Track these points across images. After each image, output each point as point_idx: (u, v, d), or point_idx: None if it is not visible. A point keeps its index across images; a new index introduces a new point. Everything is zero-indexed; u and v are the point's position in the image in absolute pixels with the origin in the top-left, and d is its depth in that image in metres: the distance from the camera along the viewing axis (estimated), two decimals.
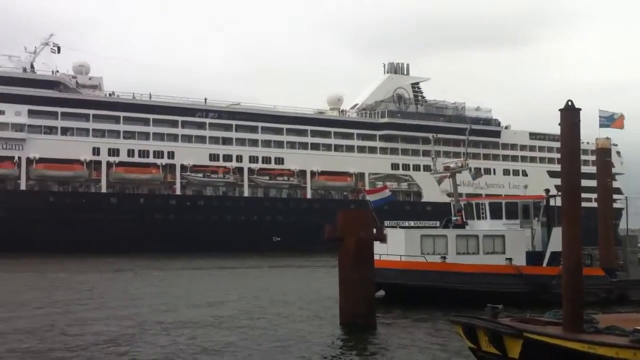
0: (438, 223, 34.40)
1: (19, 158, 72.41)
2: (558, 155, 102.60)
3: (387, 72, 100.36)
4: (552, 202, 30.18)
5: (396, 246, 27.42)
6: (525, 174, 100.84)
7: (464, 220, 31.17)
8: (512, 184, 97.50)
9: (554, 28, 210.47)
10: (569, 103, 14.09)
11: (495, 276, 27.00)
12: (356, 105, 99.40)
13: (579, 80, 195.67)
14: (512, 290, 26.17)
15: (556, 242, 23.46)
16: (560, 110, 14.16)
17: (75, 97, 76.94)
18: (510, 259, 27.78)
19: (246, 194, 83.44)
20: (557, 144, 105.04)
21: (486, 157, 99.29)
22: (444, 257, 27.55)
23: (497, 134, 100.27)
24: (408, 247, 27.72)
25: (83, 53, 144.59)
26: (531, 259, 28.84)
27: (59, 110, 74.99)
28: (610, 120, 35.66)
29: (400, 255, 27.35)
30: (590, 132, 33.58)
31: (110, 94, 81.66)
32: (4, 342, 18.60)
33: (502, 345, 12.71)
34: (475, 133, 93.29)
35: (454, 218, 31.53)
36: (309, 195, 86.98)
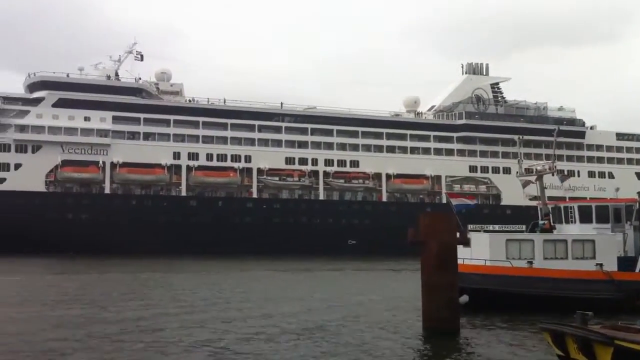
0: (524, 227, 33.21)
1: (104, 162, 75.50)
2: None
3: (466, 73, 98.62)
4: None
5: (480, 250, 27.07)
6: (611, 176, 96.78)
7: (552, 224, 30.24)
8: (597, 186, 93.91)
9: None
10: None
11: (585, 282, 26.06)
12: (433, 107, 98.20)
13: None
14: (602, 296, 25.30)
15: None
16: None
17: (156, 103, 79.71)
18: (600, 265, 26.88)
19: (321, 197, 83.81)
20: None
21: (570, 158, 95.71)
22: (531, 262, 26.81)
23: (581, 134, 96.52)
24: (493, 251, 27.10)
25: (165, 60, 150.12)
26: (623, 264, 27.82)
27: (142, 116, 77.79)
28: None
29: (485, 260, 26.83)
30: None
31: (190, 100, 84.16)
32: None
33: (592, 353, 12.35)
34: (558, 134, 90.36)
35: (541, 222, 30.57)
36: (384, 199, 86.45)
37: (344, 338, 19.86)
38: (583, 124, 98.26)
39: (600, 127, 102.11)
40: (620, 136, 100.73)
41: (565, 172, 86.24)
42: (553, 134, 43.24)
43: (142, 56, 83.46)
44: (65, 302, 27.82)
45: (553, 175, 34.39)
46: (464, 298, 24.61)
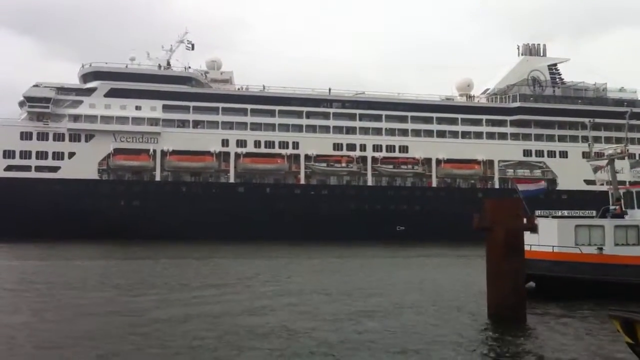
0: (594, 212, 32.61)
1: (154, 150, 77.14)
2: None
3: (522, 54, 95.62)
4: None
5: (548, 236, 26.65)
6: None
7: (623, 209, 29.46)
8: (630, 169, 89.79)
9: None
10: None
11: None
12: (487, 90, 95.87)
13: None
14: None
15: None
16: None
17: (205, 91, 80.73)
18: None
19: (370, 182, 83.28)
20: None
21: (631, 141, 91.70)
22: (601, 249, 26.36)
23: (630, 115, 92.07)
24: (561, 237, 26.67)
25: (217, 49, 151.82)
26: None
27: (191, 104, 78.98)
28: None
29: (553, 246, 26.40)
30: None
31: (240, 88, 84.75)
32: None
33: None
34: (616, 115, 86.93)
35: (612, 207, 29.93)
36: (434, 184, 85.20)
37: (408, 325, 19.90)
38: None
39: None
40: None
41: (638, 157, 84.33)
42: (625, 116, 41.93)
43: (193, 45, 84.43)
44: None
45: (625, 159, 33.55)
46: (531, 285, 24.35)
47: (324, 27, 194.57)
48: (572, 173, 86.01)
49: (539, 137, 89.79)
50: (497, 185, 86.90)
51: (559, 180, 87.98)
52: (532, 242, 25.12)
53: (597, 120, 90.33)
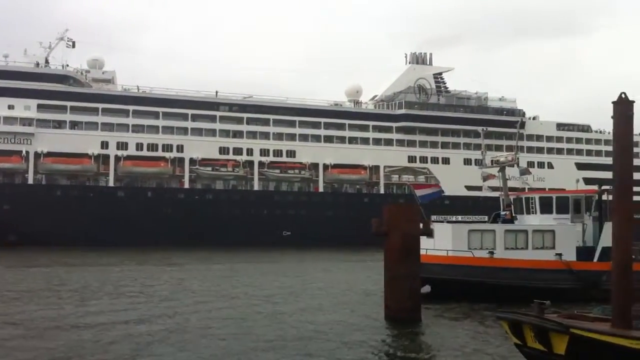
0: (486, 218, 34.04)
1: (27, 152, 73.43)
2: (587, 147, 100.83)
3: (409, 63, 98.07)
4: (604, 197, 29.56)
5: (443, 241, 27.36)
6: (551, 166, 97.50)
7: (513, 215, 30.70)
8: (537, 176, 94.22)
9: (601, 17, 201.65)
10: (623, 96, 13.34)
11: (545, 272, 26.62)
12: (375, 96, 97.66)
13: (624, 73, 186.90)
14: (561, 286, 25.79)
15: (607, 237, 23.16)
16: (613, 102, 13.44)
17: (83, 91, 77.57)
18: (560, 254, 27.44)
19: (256, 187, 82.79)
20: (586, 135, 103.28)
21: (509, 148, 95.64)
22: (492, 252, 27.24)
23: (520, 124, 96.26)
24: (455, 242, 27.45)
25: (101, 47, 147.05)
26: (582, 254, 28.39)
27: (68, 104, 75.66)
28: None
29: (447, 250, 27.17)
30: None
31: (123, 89, 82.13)
32: None
33: (548, 341, 12.59)
34: (496, 124, 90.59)
35: (502, 213, 31.03)
36: (321, 189, 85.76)
37: (305, 327, 20.02)
38: (523, 114, 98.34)
39: (543, 118, 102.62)
40: (560, 126, 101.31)
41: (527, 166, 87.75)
42: (516, 125, 43.96)
43: (74, 43, 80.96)
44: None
45: (514, 167, 35.11)
46: (426, 288, 24.99)
47: (244, 31, 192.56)
48: (454, 179, 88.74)
49: (423, 144, 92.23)
50: (382, 191, 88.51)
51: (442, 185, 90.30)
52: (428, 247, 26.08)
53: (479, 128, 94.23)
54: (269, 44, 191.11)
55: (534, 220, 29.93)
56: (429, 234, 23.89)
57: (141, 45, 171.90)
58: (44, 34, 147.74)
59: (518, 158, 33.32)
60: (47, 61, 79.07)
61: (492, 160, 34.45)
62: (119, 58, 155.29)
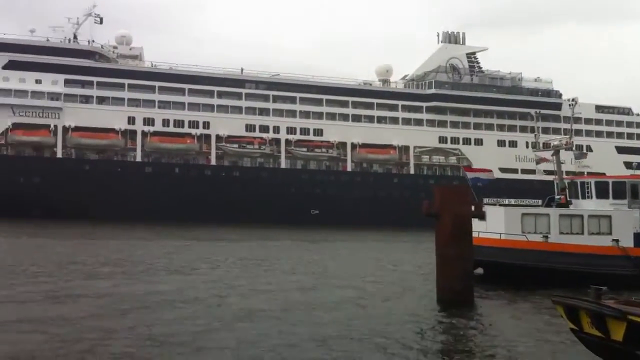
0: (540, 201, 33.53)
1: (55, 126, 74.03)
2: (628, 130, 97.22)
3: (442, 42, 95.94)
4: None
5: (496, 224, 26.99)
6: (590, 149, 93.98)
7: (568, 199, 30.30)
8: (574, 160, 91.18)
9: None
10: None
11: (600, 257, 26.11)
12: (406, 76, 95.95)
13: None
14: (617, 272, 25.15)
15: None
16: None
17: (109, 66, 77.88)
18: (617, 240, 26.92)
19: (283, 165, 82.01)
20: (627, 118, 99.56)
21: (545, 130, 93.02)
22: (546, 237, 26.85)
23: (557, 106, 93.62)
24: (508, 225, 27.06)
25: (127, 24, 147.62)
26: (639, 240, 27.76)
27: (95, 79, 76.10)
28: None
29: (500, 234, 26.75)
30: None
31: (150, 65, 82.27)
32: None
33: (605, 327, 12.35)
34: (531, 105, 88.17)
35: (557, 197, 30.64)
36: (349, 168, 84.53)
37: (357, 310, 19.71)
38: (560, 96, 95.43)
39: (582, 101, 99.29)
40: (599, 109, 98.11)
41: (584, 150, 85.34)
42: (571, 108, 42.96)
43: (101, 19, 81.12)
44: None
45: (568, 150, 34.08)
46: (478, 271, 24.75)
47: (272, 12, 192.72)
48: (487, 161, 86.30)
49: (454, 124, 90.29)
50: (412, 171, 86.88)
51: (474, 167, 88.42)
52: (480, 229, 25.40)
53: (513, 109, 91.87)
54: (299, 22, 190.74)
55: (589, 205, 29.51)
56: (482, 216, 23.54)
57: (175, 25, 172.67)
58: (72, 9, 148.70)
59: (573, 141, 32.35)
60: (75, 37, 79.55)
61: (544, 143, 34.14)
62: (149, 37, 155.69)
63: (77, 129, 74.47)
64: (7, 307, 18.28)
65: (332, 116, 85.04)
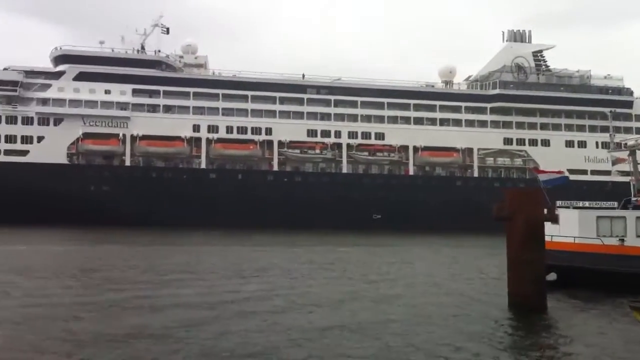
0: (616, 204, 32.71)
1: (124, 135, 76.35)
2: None
3: (506, 41, 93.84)
4: None
5: (569, 227, 26.42)
6: None
7: None
8: None
9: None
10: None
11: None
12: (470, 77, 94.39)
13: None
14: None
15: None
16: None
17: (175, 75, 79.71)
18: None
19: (345, 170, 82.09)
20: None
21: (617, 130, 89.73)
22: (622, 240, 26.05)
23: (628, 104, 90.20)
24: (582, 228, 26.50)
25: (192, 33, 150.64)
26: None
27: (161, 88, 78.07)
28: None
29: (574, 237, 26.19)
30: None
31: (214, 73, 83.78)
32: None
33: None
34: (601, 104, 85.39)
35: (633, 199, 29.62)
36: (411, 172, 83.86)
37: (426, 311, 19.95)
38: (631, 93, 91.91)
39: None
40: None
41: None
42: (622, 105, 41.24)
43: (167, 29, 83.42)
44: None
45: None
46: (552, 276, 24.38)
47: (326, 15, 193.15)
48: (555, 162, 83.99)
49: (520, 125, 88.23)
50: (476, 174, 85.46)
51: (541, 169, 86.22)
52: (553, 233, 25.08)
53: (581, 108, 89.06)
54: (364, 24, 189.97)
55: None
56: (554, 219, 22.95)
57: (241, 30, 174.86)
58: (139, 21, 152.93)
59: None
60: (142, 47, 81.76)
61: (618, 143, 33.15)
62: (214, 42, 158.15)
63: (144, 137, 76.62)
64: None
65: (393, 119, 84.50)
